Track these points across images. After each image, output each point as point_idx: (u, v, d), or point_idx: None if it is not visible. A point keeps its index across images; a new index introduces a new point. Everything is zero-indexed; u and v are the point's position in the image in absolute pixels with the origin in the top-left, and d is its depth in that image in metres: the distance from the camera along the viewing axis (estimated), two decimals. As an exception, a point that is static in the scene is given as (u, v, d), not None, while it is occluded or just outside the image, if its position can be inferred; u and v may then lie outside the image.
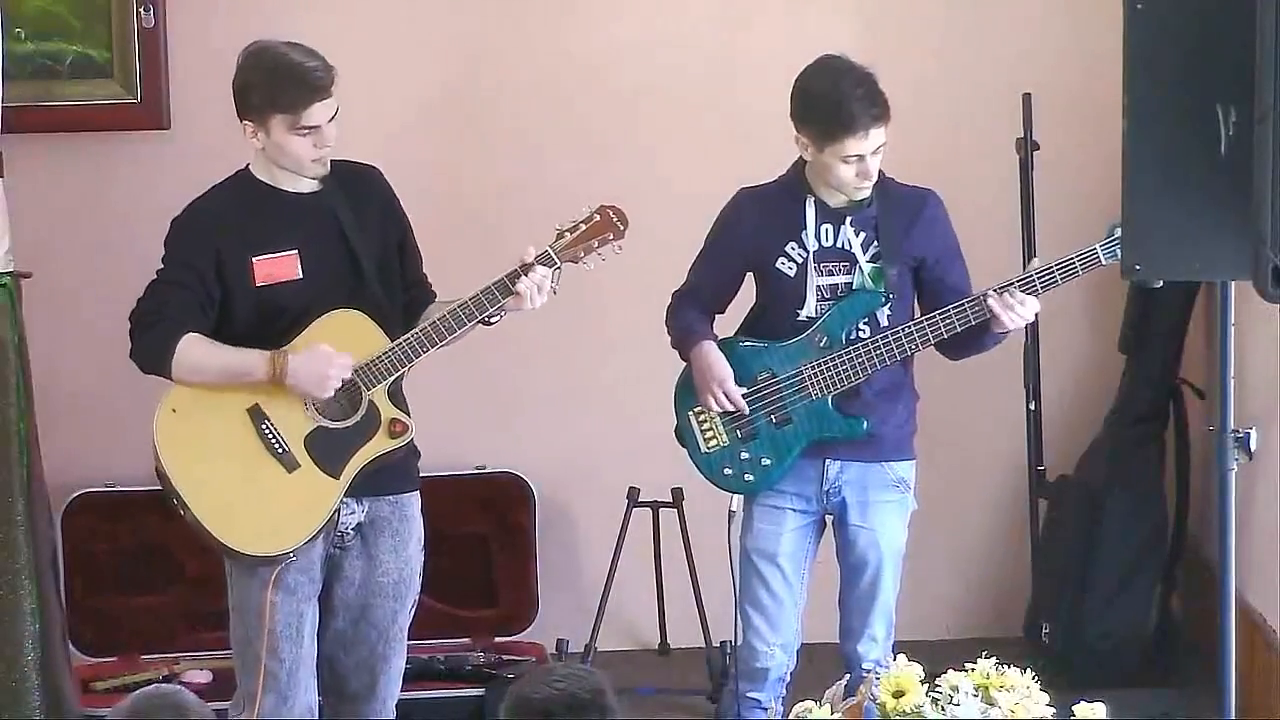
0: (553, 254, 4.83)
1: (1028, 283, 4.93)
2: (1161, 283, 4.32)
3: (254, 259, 4.77)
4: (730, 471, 5.08)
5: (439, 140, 6.34)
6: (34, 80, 6.08)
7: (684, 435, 5.13)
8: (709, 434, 5.09)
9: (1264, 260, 3.79)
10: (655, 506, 6.19)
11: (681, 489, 6.06)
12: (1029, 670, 4.01)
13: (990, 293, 4.91)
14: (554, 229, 4.86)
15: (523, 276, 4.78)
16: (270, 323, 4.78)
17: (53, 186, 6.11)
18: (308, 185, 4.85)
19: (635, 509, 6.16)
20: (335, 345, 4.77)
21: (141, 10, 6.11)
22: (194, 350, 4.73)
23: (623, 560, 6.14)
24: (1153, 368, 6.20)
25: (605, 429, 6.42)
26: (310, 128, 4.73)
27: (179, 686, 3.89)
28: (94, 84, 6.17)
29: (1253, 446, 4.29)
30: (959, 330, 4.95)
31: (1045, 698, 3.97)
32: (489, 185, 6.34)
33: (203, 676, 5.96)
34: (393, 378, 4.81)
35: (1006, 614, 6.49)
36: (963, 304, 4.93)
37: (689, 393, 5.10)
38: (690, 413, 5.10)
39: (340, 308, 4.79)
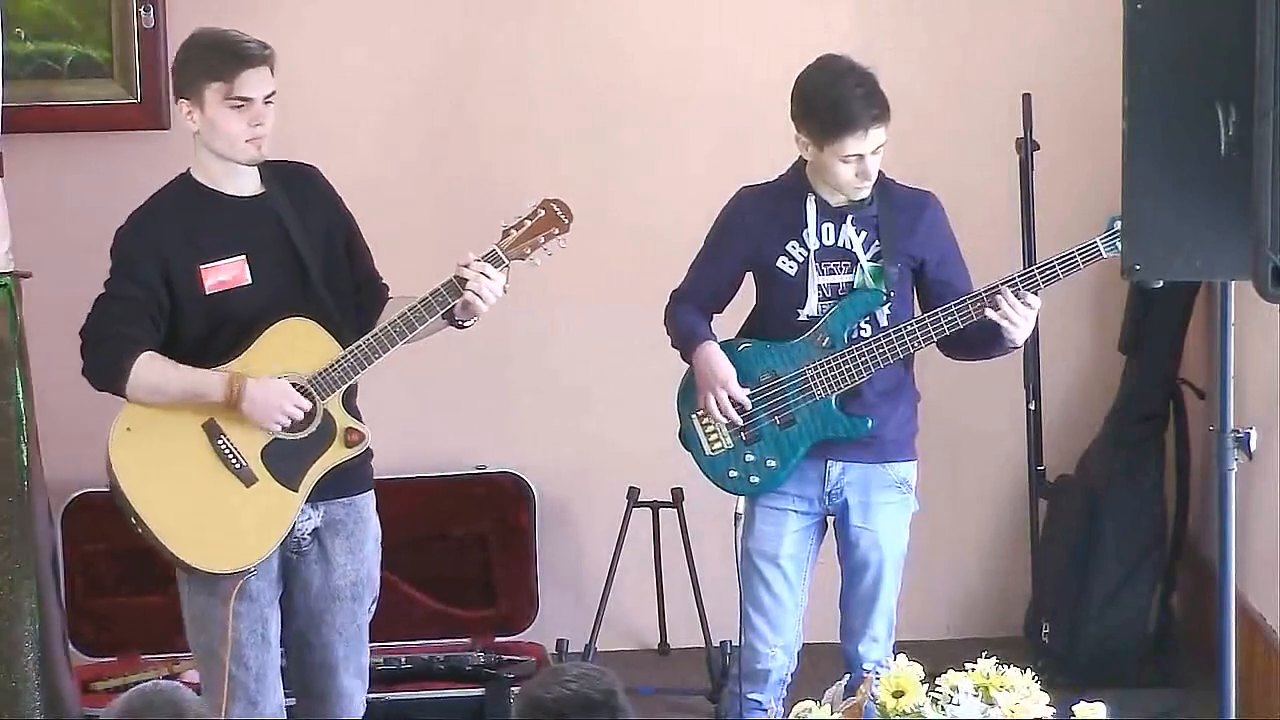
0: (500, 253, 4.80)
1: (1029, 278, 4.92)
2: (1161, 283, 4.32)
3: (201, 266, 4.74)
4: (736, 474, 5.07)
5: (438, 139, 6.35)
6: (34, 80, 6.08)
7: (688, 438, 5.13)
8: (713, 437, 5.08)
9: (1264, 260, 3.79)
10: (655, 506, 6.18)
11: (681, 489, 6.06)
12: (1029, 670, 4.01)
13: (990, 299, 4.90)
14: (500, 227, 4.84)
15: (469, 276, 4.75)
16: (219, 330, 4.75)
17: (53, 186, 6.11)
18: (249, 187, 4.81)
19: (635, 509, 6.15)
20: (287, 355, 4.74)
21: (141, 10, 6.11)
22: (151, 370, 4.69)
23: (623, 560, 6.14)
24: (1153, 368, 6.20)
25: (605, 429, 6.42)
26: (244, 99, 4.70)
27: (176, 683, 3.87)
28: (94, 84, 6.17)
29: (1253, 446, 4.30)
30: (963, 328, 4.94)
31: (1045, 698, 3.98)
32: (486, 184, 6.33)
33: (202, 676, 5.96)
34: (346, 385, 4.78)
35: (1006, 614, 6.49)
36: (964, 300, 4.93)
37: (692, 395, 5.09)
38: (694, 415, 5.10)
39: (289, 314, 4.75)
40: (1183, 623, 6.29)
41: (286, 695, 4.99)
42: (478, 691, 5.95)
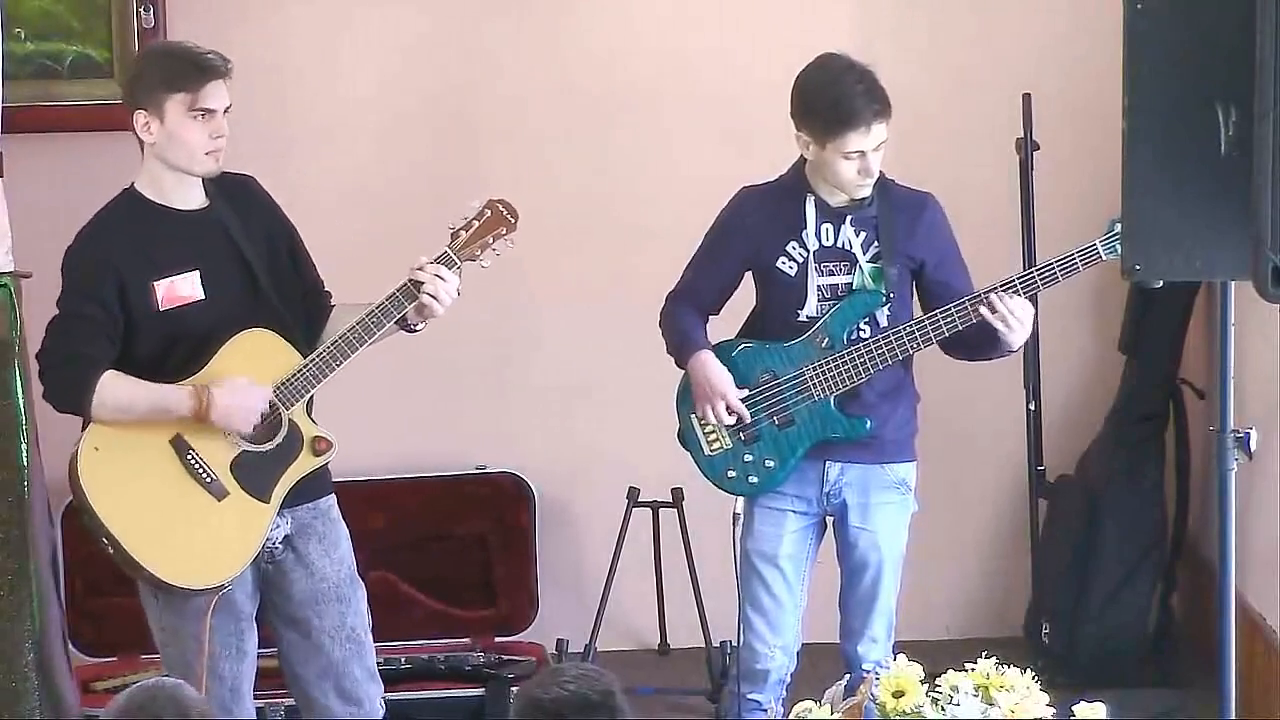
0: (452, 255, 4.79)
1: (1028, 280, 4.92)
2: (1161, 283, 4.32)
3: (155, 282, 4.71)
4: (734, 474, 5.07)
5: (435, 139, 6.34)
6: (34, 80, 6.09)
7: (687, 438, 5.13)
8: (712, 437, 5.08)
9: (1264, 260, 3.79)
10: (655, 506, 6.18)
11: (681, 489, 6.06)
12: (1029, 670, 4.01)
13: (984, 299, 4.90)
14: (447, 229, 4.83)
15: (426, 280, 4.73)
16: (174, 346, 4.73)
17: (53, 186, 6.10)
18: (196, 201, 4.79)
19: (635, 509, 6.15)
20: (249, 366, 4.72)
21: (141, 10, 6.11)
22: (115, 390, 4.66)
23: (623, 560, 6.14)
24: (1153, 368, 6.20)
25: (605, 429, 6.42)
26: (207, 110, 4.68)
27: (179, 681, 3.87)
28: (94, 84, 6.17)
29: (1253, 446, 4.30)
30: (961, 329, 4.94)
31: (1045, 698, 3.98)
32: (483, 185, 6.29)
33: (202, 676, 5.96)
34: (309, 394, 4.77)
35: (1006, 614, 6.49)
36: (964, 302, 4.92)
37: (691, 396, 5.08)
38: (693, 415, 5.09)
39: (245, 327, 4.74)
40: (1183, 623, 6.29)
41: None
42: (478, 691, 5.95)
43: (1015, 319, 4.88)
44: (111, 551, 4.73)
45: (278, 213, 4.92)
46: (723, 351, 5.05)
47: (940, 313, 4.94)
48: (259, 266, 4.79)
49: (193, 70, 4.69)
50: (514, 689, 5.81)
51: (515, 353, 6.35)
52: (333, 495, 4.94)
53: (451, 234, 4.82)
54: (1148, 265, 4.05)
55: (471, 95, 6.36)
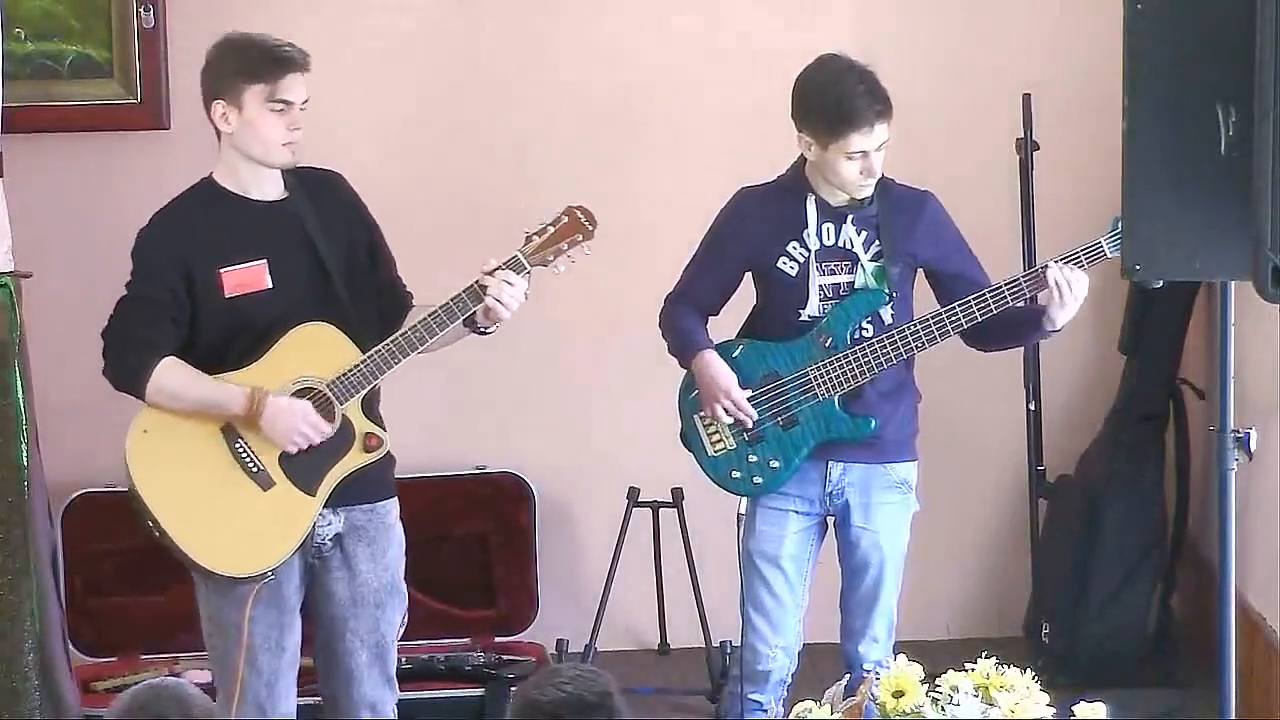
0: (522, 259, 4.77)
1: (1033, 277, 4.92)
2: (1161, 283, 4.33)
3: (222, 270, 4.72)
4: (739, 475, 5.06)
5: (436, 142, 6.34)
6: (34, 80, 6.09)
7: (689, 439, 5.12)
8: (715, 437, 5.07)
9: (1264, 260, 3.80)
10: (655, 506, 6.18)
11: (681, 489, 6.06)
12: (1029, 670, 4.01)
13: (987, 297, 4.90)
14: (523, 233, 4.82)
15: (490, 284, 4.72)
16: (238, 335, 4.73)
17: (53, 186, 6.11)
18: (273, 192, 4.79)
19: (635, 509, 6.15)
20: (306, 359, 4.72)
21: (141, 10, 6.11)
22: (172, 377, 4.69)
23: (623, 560, 6.14)
24: (1153, 368, 6.20)
25: (605, 429, 6.42)
26: (285, 102, 4.69)
27: (182, 680, 3.86)
28: (94, 84, 6.17)
29: (1253, 446, 4.30)
30: (965, 328, 4.94)
31: (1045, 698, 3.97)
32: (486, 187, 6.33)
33: (203, 676, 5.92)
34: (365, 390, 4.76)
35: (1006, 614, 6.49)
36: (968, 301, 4.92)
37: (693, 396, 5.08)
38: (695, 416, 5.09)
39: (309, 319, 4.73)
40: (1183, 623, 6.29)
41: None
42: (478, 691, 5.95)
43: (1070, 293, 4.85)
44: (157, 535, 4.74)
45: (360, 209, 4.90)
46: (724, 352, 5.04)
47: (945, 311, 4.94)
48: (331, 261, 4.77)
49: (271, 62, 4.71)
50: (514, 689, 5.81)
51: (516, 353, 6.34)
52: (394, 499, 4.92)
53: (525, 238, 4.79)
54: (1148, 265, 4.05)
55: (470, 96, 6.35)
